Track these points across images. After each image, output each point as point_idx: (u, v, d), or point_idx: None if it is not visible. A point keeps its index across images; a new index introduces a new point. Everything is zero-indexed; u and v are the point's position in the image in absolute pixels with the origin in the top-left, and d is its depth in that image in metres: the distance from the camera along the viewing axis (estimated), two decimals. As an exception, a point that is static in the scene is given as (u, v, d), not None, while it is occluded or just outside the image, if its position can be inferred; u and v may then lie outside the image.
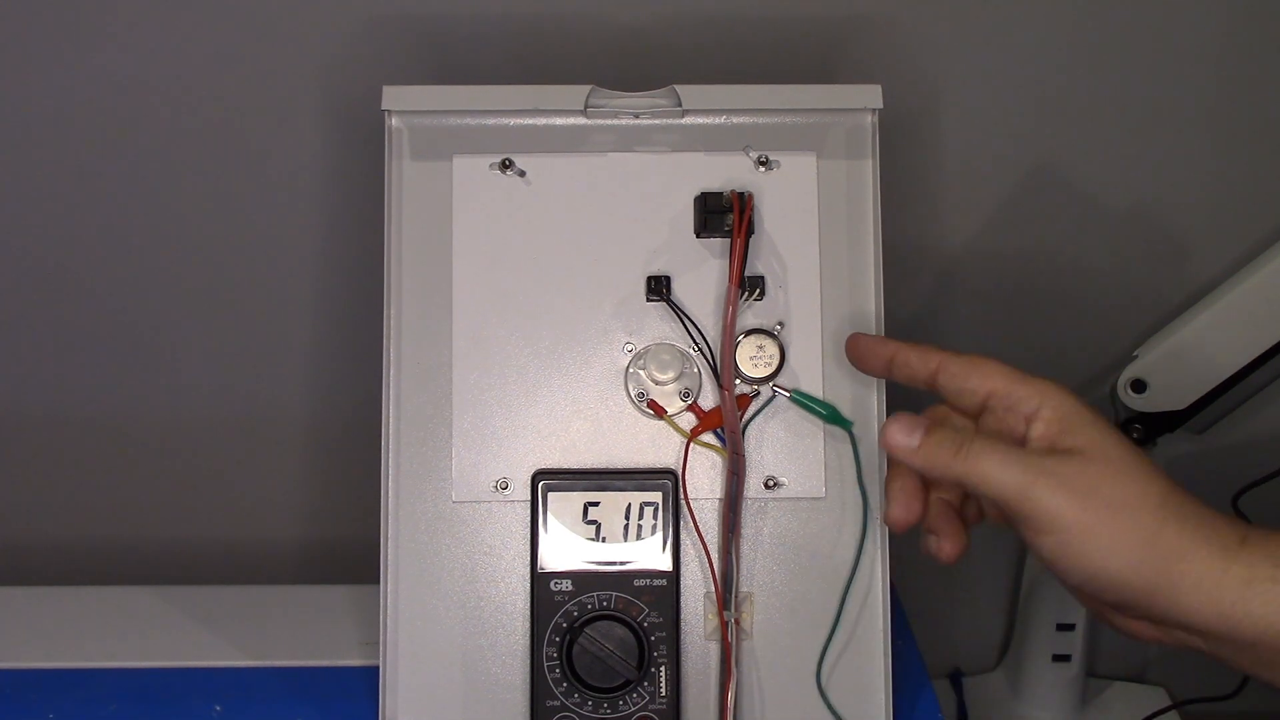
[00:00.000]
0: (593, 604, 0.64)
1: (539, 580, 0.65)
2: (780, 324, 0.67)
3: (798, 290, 0.67)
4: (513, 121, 0.68)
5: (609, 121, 0.68)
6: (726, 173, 0.67)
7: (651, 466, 0.66)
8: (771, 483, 0.67)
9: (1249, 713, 0.84)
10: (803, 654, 0.66)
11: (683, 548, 0.66)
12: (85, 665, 0.74)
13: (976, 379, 0.57)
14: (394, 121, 0.67)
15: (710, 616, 0.66)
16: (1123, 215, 0.85)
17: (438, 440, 0.67)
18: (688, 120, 0.68)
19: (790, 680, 0.66)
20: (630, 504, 0.65)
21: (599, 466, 0.66)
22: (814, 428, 0.67)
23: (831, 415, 0.66)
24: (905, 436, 0.56)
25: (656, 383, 0.66)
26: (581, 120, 0.68)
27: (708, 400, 0.67)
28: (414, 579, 0.66)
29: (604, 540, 0.65)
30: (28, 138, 0.82)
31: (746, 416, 0.67)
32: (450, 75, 0.81)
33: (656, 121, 0.68)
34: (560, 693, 0.64)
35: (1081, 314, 0.88)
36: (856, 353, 0.62)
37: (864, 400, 0.67)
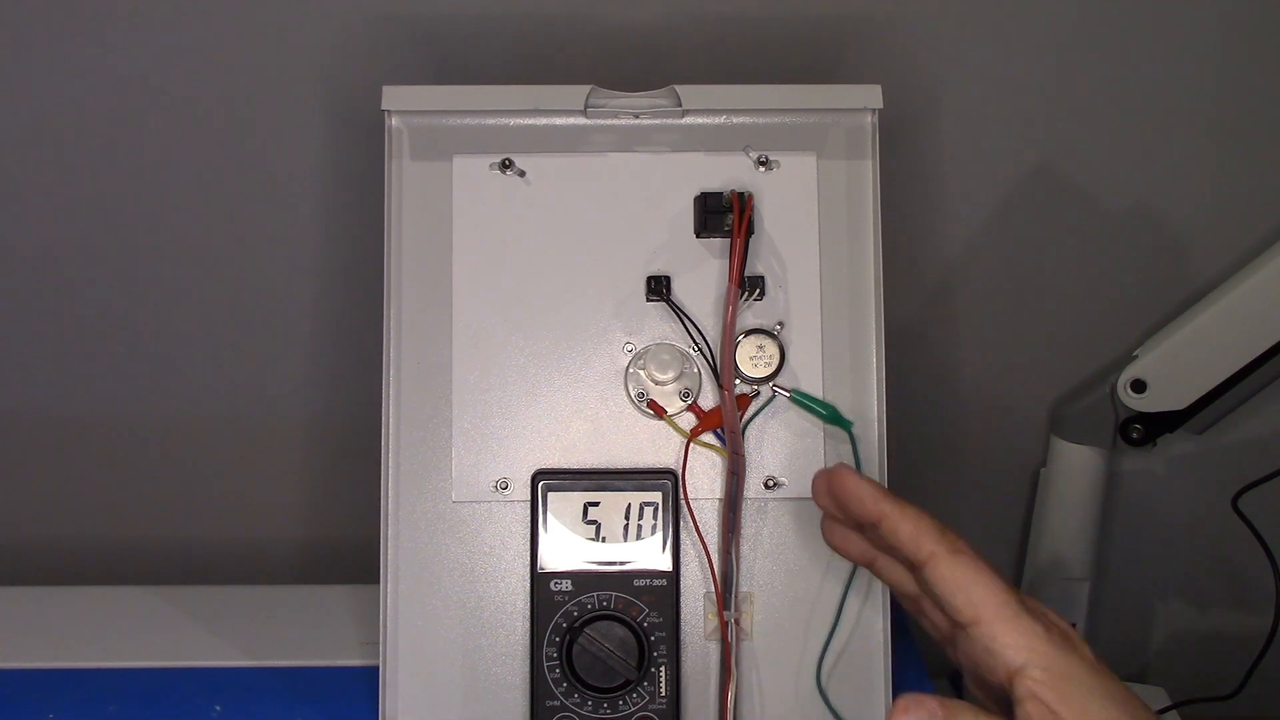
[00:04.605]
0: (593, 604, 0.64)
1: (539, 580, 0.65)
2: (780, 324, 0.67)
3: (798, 290, 0.67)
4: (513, 121, 0.68)
5: (609, 121, 0.68)
6: (726, 173, 0.67)
7: (651, 466, 0.66)
8: (771, 483, 0.67)
9: (1249, 713, 0.84)
10: (803, 654, 0.66)
11: (683, 548, 0.66)
12: (85, 665, 0.74)
13: (963, 598, 0.51)
14: (394, 121, 0.67)
15: (710, 616, 0.66)
16: (1123, 215, 0.85)
17: (438, 440, 0.67)
18: (688, 120, 0.68)
19: (790, 680, 0.66)
20: (630, 504, 0.65)
21: (599, 466, 0.66)
22: (814, 428, 0.67)
23: (831, 415, 0.66)
24: None
25: (656, 383, 0.66)
26: (581, 120, 0.68)
27: (708, 400, 0.67)
28: (414, 579, 0.66)
29: (604, 540, 0.65)
30: (28, 138, 0.82)
31: (746, 416, 0.66)
32: (450, 75, 0.81)
33: (656, 121, 0.68)
34: (560, 693, 0.64)
35: (1081, 314, 0.88)
36: (842, 493, 0.56)
37: (864, 400, 0.67)
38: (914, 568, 0.54)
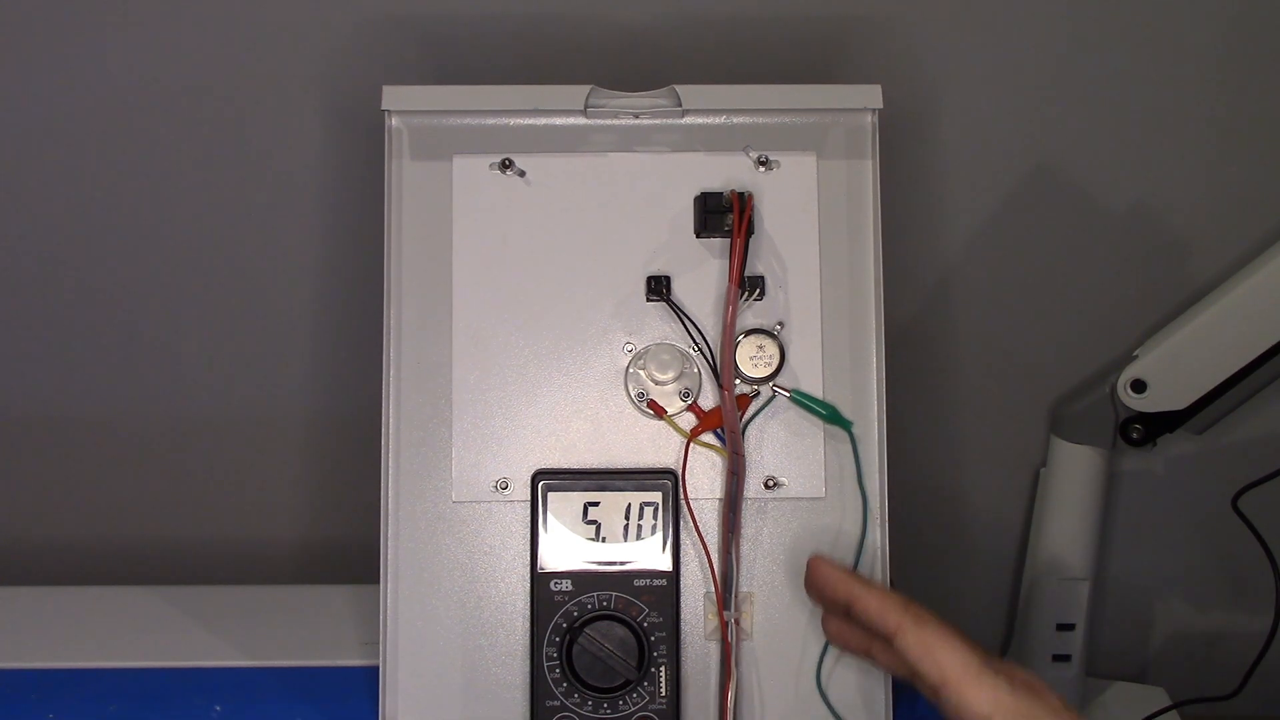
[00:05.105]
0: (593, 604, 0.64)
1: (539, 580, 0.65)
2: (780, 324, 0.67)
3: (798, 290, 0.67)
4: (513, 121, 0.68)
5: (609, 121, 0.68)
6: (726, 173, 0.67)
7: (651, 466, 0.66)
8: (771, 483, 0.67)
9: (1249, 713, 0.84)
10: (803, 654, 0.66)
11: (683, 548, 0.66)
12: (85, 665, 0.74)
13: (930, 663, 0.55)
14: (394, 121, 0.67)
15: (710, 616, 0.66)
16: (1123, 215, 0.85)
17: (438, 440, 0.67)
18: (688, 120, 0.68)
19: (790, 680, 0.66)
20: (630, 504, 0.65)
21: (599, 466, 0.66)
22: (814, 428, 0.67)
23: (831, 415, 0.66)
24: None
25: (656, 383, 0.66)
26: (581, 120, 0.68)
27: (708, 400, 0.67)
28: (414, 579, 0.66)
29: (604, 540, 0.65)
30: (28, 138, 0.82)
31: (746, 416, 0.67)
32: (450, 75, 0.81)
33: (656, 121, 0.68)
34: (560, 693, 0.64)
35: (1081, 314, 0.88)
36: (817, 581, 0.62)
37: (864, 400, 0.67)
38: (888, 642, 0.57)
